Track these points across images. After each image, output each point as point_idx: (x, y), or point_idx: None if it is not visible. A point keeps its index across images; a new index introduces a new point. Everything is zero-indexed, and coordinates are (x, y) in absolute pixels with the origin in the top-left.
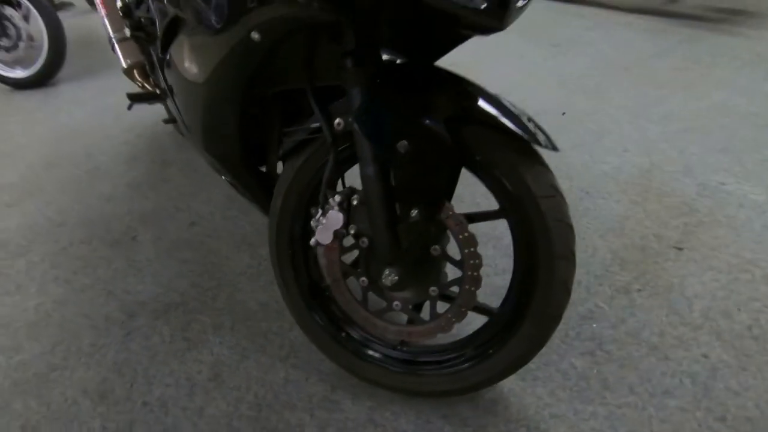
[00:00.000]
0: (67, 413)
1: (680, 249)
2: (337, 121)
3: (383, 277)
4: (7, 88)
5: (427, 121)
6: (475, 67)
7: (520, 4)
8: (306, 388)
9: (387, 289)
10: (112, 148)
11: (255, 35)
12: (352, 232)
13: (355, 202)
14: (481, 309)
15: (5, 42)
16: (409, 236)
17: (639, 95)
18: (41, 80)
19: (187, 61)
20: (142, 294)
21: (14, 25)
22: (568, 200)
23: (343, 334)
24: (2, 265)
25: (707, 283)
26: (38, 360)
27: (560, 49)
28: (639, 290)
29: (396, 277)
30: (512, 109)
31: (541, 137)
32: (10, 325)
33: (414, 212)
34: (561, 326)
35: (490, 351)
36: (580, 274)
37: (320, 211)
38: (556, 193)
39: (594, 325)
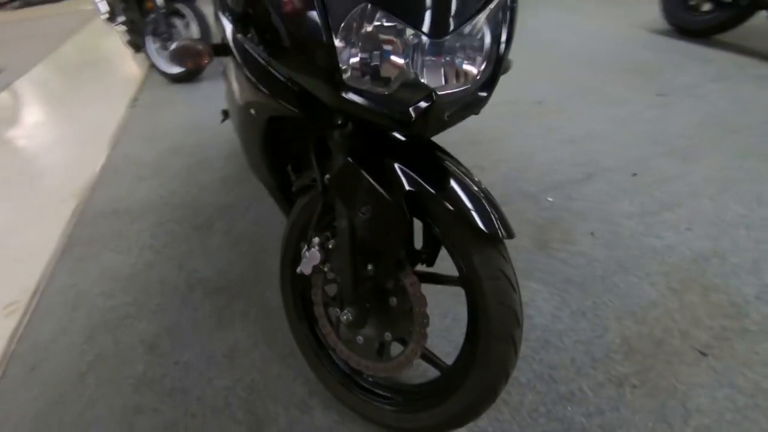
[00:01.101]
0: (125, 354)
1: (704, 354)
2: (327, 175)
3: (341, 314)
4: (165, 81)
5: (390, 194)
6: (560, 110)
7: (452, 116)
8: (291, 387)
9: (344, 325)
10: (218, 144)
11: (252, 111)
12: (326, 269)
13: (331, 246)
14: (433, 361)
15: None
16: (366, 285)
17: (734, 167)
18: (190, 76)
19: (231, 87)
20: (202, 273)
21: (178, 32)
22: (597, 270)
23: (321, 350)
24: (123, 227)
25: (718, 401)
26: (122, 307)
27: (666, 101)
28: (634, 386)
29: (351, 317)
30: (476, 190)
31: (494, 223)
32: (114, 276)
33: (370, 266)
34: (536, 398)
35: (436, 401)
36: (576, 351)
37: (305, 247)
38: (502, 277)
39: (569, 408)
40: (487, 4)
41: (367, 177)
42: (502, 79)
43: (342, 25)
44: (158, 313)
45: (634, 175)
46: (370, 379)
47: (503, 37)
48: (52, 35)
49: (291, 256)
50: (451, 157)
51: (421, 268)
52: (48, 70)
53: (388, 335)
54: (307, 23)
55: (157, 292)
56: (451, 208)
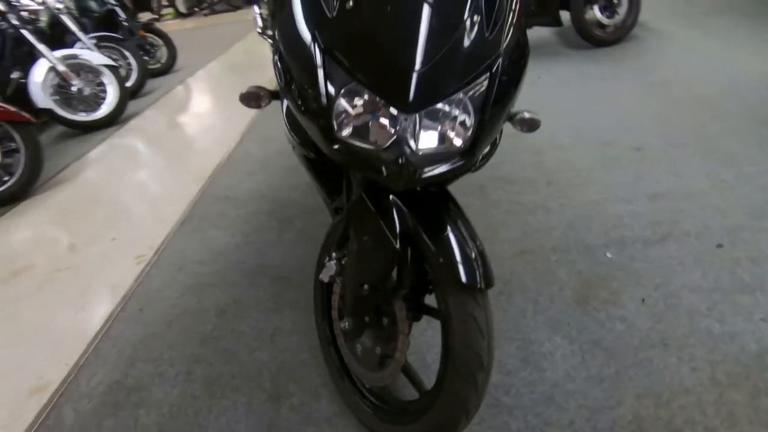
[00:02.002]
0: (202, 314)
1: None
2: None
3: (341, 322)
4: None
5: (389, 230)
6: (658, 160)
7: (426, 175)
8: (311, 374)
9: (342, 332)
10: None
11: (293, 149)
12: (338, 281)
13: (344, 262)
14: (414, 382)
15: None
16: (364, 302)
17: None
18: None
19: None
20: (272, 261)
21: None
22: (634, 339)
23: (333, 347)
24: (228, 211)
25: None
26: (209, 276)
27: None
28: None
29: (347, 327)
30: (466, 240)
31: (475, 275)
32: (211, 249)
33: (366, 287)
34: None
35: (410, 419)
36: (579, 415)
37: (327, 258)
38: (471, 322)
39: None
40: (467, 85)
41: (374, 212)
42: (599, 120)
43: (339, 93)
44: (232, 287)
45: (719, 246)
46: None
47: (487, 112)
48: (223, 40)
49: (320, 264)
50: (456, 206)
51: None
52: (214, 70)
53: (378, 350)
54: (314, 90)
55: (235, 269)
56: (436, 252)
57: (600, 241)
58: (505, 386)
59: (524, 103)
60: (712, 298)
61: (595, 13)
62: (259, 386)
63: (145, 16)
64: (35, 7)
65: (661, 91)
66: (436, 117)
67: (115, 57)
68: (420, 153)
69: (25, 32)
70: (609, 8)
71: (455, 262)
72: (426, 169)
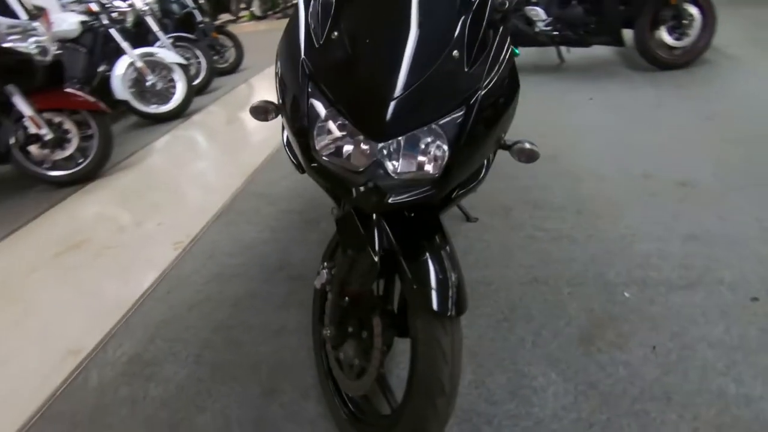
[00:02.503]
0: (220, 302)
1: None
2: None
3: (324, 329)
4: None
5: (371, 248)
6: (703, 198)
7: (394, 200)
8: (304, 374)
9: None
10: None
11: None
12: (328, 289)
13: (333, 273)
14: (386, 397)
15: None
16: (343, 314)
17: None
18: None
19: None
20: (292, 259)
21: None
22: (635, 388)
23: (322, 349)
24: (262, 207)
25: None
26: (234, 267)
27: None
28: None
29: (328, 334)
30: (445, 267)
31: (446, 303)
32: (240, 242)
33: (347, 299)
34: None
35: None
36: None
37: (322, 266)
38: (436, 347)
39: None
40: (442, 117)
41: (359, 227)
42: (646, 149)
43: (320, 117)
44: (251, 280)
45: (754, 299)
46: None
47: (461, 144)
48: None
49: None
50: (443, 232)
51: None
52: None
53: (356, 360)
54: (299, 111)
55: (257, 264)
56: (411, 276)
57: (620, 279)
58: (488, 416)
59: (572, 124)
60: (732, 356)
61: (663, 34)
62: (256, 379)
63: (224, 17)
64: (124, 8)
65: (724, 123)
66: (409, 145)
67: (187, 56)
68: (392, 178)
69: (112, 31)
70: (678, 29)
71: (429, 288)
72: (395, 195)
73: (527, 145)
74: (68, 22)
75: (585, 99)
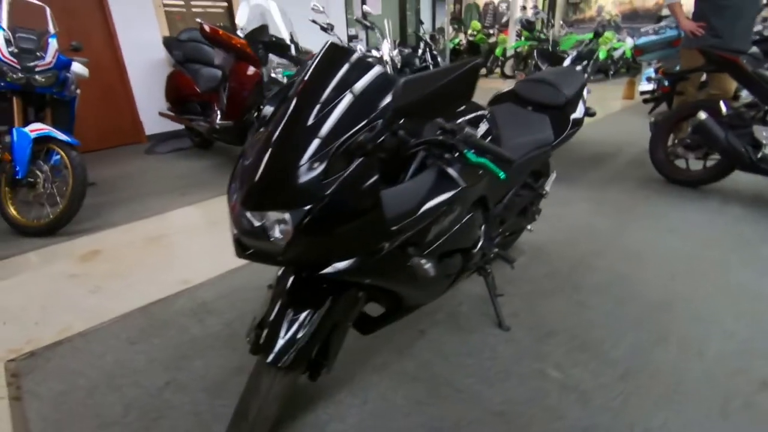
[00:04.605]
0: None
1: None
2: None
3: None
4: None
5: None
6: None
7: (247, 253)
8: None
9: None
10: None
11: None
12: None
13: None
14: None
15: None
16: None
17: None
18: None
19: None
20: None
21: None
22: None
23: None
24: None
25: None
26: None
27: None
28: None
29: None
30: (305, 326)
31: (280, 355)
32: None
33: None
34: None
35: None
36: None
37: None
38: (256, 382)
39: None
40: (291, 209)
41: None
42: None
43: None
44: None
45: None
46: None
47: (300, 232)
48: None
49: None
50: (332, 300)
51: None
52: None
53: None
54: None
55: None
56: (270, 320)
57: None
58: None
59: (646, 267)
60: None
61: None
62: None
63: None
64: (375, 55)
65: None
66: (264, 220)
67: None
68: (251, 240)
69: None
70: None
71: (273, 343)
72: (248, 252)
73: (425, 264)
74: None
75: (662, 234)
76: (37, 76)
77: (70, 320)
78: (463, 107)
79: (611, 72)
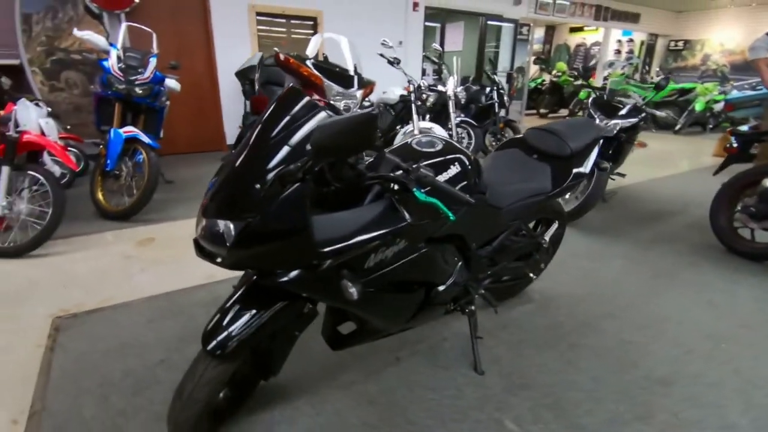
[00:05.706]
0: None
1: None
2: None
3: None
4: None
5: None
6: None
7: (200, 255)
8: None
9: None
10: None
11: None
12: None
13: None
14: None
15: None
16: None
17: None
18: None
19: None
20: None
21: None
22: None
23: None
24: None
25: None
26: None
27: None
28: None
29: None
30: (247, 322)
31: (219, 344)
32: None
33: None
34: None
35: None
36: None
37: None
38: (194, 367)
39: None
40: (233, 220)
41: None
42: None
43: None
44: None
45: None
46: None
47: (242, 240)
48: None
49: None
50: (282, 305)
51: None
52: None
53: None
54: None
55: None
56: (214, 319)
57: None
58: None
59: (661, 338)
60: None
61: None
62: None
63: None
64: (428, 93)
65: None
66: (215, 227)
67: (463, 135)
68: (205, 242)
69: (413, 105)
70: None
71: (220, 327)
72: (203, 252)
73: (350, 287)
74: (394, 93)
75: (711, 342)
76: (136, 88)
77: (113, 293)
78: (440, 147)
79: (710, 126)
